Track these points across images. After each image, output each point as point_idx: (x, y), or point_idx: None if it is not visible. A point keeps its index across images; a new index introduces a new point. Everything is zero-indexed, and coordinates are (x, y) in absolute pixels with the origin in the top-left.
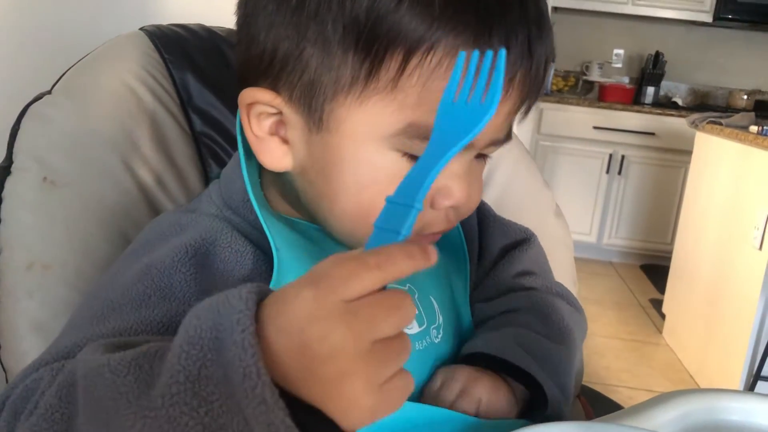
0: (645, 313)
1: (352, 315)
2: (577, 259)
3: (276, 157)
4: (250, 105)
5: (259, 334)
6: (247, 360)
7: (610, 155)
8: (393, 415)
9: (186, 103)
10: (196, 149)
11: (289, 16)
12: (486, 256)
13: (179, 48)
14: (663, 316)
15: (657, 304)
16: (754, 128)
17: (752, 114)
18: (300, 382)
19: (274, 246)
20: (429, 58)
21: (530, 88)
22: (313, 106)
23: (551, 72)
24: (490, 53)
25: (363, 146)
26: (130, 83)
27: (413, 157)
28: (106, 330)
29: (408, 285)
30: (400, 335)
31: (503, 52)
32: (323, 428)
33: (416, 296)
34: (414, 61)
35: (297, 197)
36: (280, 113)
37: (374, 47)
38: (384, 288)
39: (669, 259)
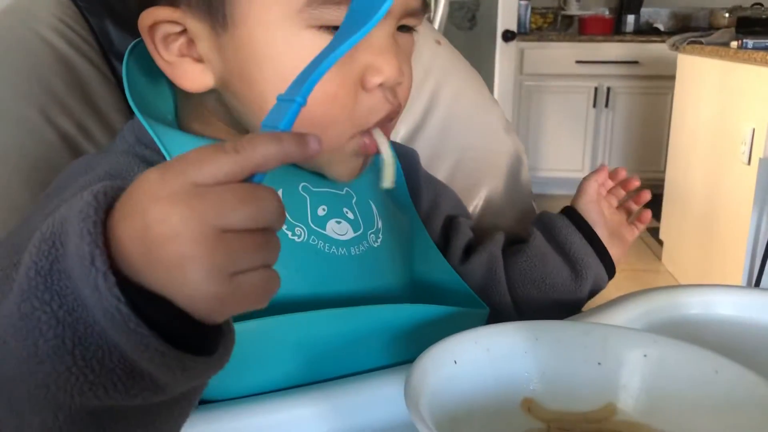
0: (643, 242)
1: (197, 198)
2: (571, 197)
3: (194, 77)
4: (152, 27)
5: (106, 224)
6: (84, 247)
7: (596, 88)
8: (320, 327)
9: (108, 51)
10: (121, 96)
11: None
12: (434, 213)
13: None
14: (661, 243)
15: (654, 232)
16: (734, 43)
17: (732, 30)
18: (143, 268)
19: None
20: None
21: None
22: (213, 5)
23: (528, 11)
24: None
25: (275, 30)
26: (45, 34)
27: (332, 29)
28: None
29: (346, 189)
30: (264, 232)
31: None
32: (181, 323)
33: (354, 200)
34: None
35: (235, 120)
36: (185, 32)
37: None
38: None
39: (663, 186)
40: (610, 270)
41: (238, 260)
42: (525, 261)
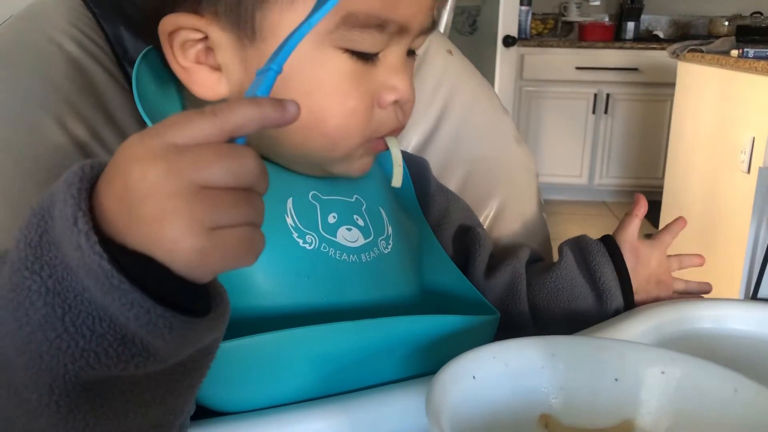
0: None
1: (175, 155)
2: (569, 202)
3: (209, 85)
4: (172, 34)
5: (93, 194)
6: (67, 210)
7: (595, 95)
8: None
9: (122, 58)
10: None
11: None
12: (445, 222)
13: (109, 0)
14: None
15: None
16: (734, 52)
17: (732, 38)
18: (127, 227)
19: None
20: None
21: None
22: (242, 17)
23: (529, 17)
24: None
25: (303, 48)
26: (59, 40)
27: (354, 53)
28: None
29: (355, 196)
30: (246, 191)
31: None
32: (171, 282)
33: (364, 207)
34: None
35: None
36: (204, 39)
37: None
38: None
39: (661, 194)
40: (629, 306)
41: (217, 215)
42: (553, 282)
